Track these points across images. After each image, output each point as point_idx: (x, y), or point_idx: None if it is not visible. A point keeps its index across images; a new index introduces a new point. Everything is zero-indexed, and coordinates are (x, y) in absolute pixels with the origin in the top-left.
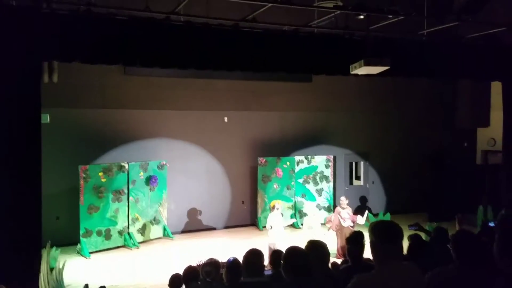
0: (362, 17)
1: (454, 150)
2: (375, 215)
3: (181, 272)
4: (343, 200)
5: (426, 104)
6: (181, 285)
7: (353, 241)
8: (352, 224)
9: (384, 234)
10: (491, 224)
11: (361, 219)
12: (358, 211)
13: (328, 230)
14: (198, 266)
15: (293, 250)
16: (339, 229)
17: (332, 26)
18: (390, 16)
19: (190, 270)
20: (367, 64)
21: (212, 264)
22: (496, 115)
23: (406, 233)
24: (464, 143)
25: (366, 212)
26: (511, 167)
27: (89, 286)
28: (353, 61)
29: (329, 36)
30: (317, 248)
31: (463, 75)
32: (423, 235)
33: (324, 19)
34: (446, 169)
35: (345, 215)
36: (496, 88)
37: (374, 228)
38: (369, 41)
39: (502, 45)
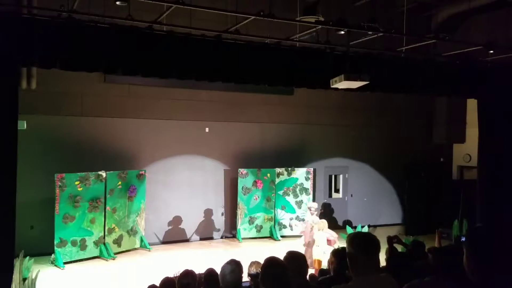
0: (342, 32)
1: (431, 165)
2: (354, 227)
3: (157, 284)
4: (313, 207)
5: (404, 119)
6: None
7: (340, 256)
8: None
9: (362, 246)
10: (464, 239)
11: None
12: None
13: (304, 245)
14: (175, 277)
15: (271, 261)
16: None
17: (313, 40)
18: (370, 33)
19: (166, 282)
20: (347, 79)
21: (188, 275)
22: (472, 132)
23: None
24: (441, 159)
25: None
26: (485, 182)
27: None
28: (333, 75)
29: (310, 50)
30: (295, 259)
31: (439, 91)
32: (400, 248)
33: (306, 33)
34: (423, 184)
35: (322, 239)
36: (472, 105)
37: (353, 240)
38: (349, 56)
39: (478, 64)
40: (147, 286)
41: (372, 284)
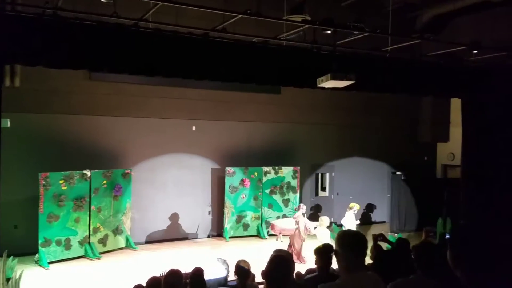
0: (329, 32)
1: (416, 163)
2: (339, 225)
3: (143, 283)
4: (303, 208)
5: (390, 118)
6: None
7: (322, 253)
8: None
9: (350, 245)
10: (448, 236)
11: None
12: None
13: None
14: (161, 277)
15: (278, 257)
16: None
17: (300, 39)
18: (356, 33)
19: (153, 282)
20: (334, 78)
21: (174, 275)
22: (456, 131)
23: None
24: (425, 157)
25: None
26: (468, 181)
27: None
28: (320, 74)
29: (297, 49)
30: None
31: (424, 91)
32: (385, 246)
33: (293, 33)
34: (408, 182)
35: (324, 235)
36: (456, 104)
37: (340, 238)
38: (335, 56)
39: (462, 64)
40: (133, 286)
41: (359, 282)
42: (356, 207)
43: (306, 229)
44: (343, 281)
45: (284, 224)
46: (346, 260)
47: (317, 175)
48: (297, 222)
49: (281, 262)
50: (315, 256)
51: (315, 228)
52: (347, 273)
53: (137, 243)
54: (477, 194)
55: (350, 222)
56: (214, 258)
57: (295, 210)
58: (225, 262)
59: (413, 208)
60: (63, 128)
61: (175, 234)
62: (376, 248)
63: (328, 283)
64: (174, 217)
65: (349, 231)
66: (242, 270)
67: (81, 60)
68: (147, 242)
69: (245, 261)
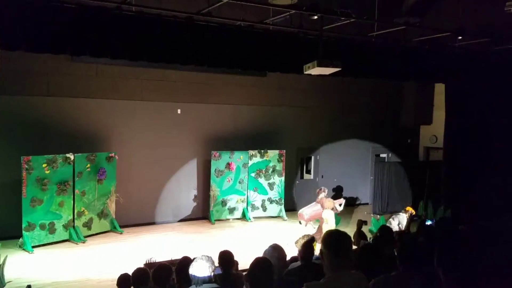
0: (316, 17)
1: (399, 146)
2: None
3: (130, 272)
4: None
5: (374, 102)
6: (130, 286)
7: (308, 246)
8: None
9: (334, 247)
10: (428, 223)
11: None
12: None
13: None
14: (147, 264)
15: (259, 261)
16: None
17: (286, 24)
18: (343, 18)
19: (139, 274)
20: (320, 65)
21: (163, 269)
22: (439, 114)
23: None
24: (408, 140)
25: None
26: (450, 163)
27: (33, 283)
28: (306, 60)
29: (283, 34)
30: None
31: (409, 76)
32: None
33: (279, 17)
34: (391, 165)
35: (331, 216)
36: (439, 88)
37: (326, 241)
38: (322, 42)
39: (446, 49)
40: (119, 275)
41: (343, 281)
42: (328, 203)
43: (333, 208)
44: (327, 280)
45: (311, 211)
46: (330, 260)
47: (302, 158)
48: (322, 205)
49: (262, 265)
50: (301, 249)
51: (339, 204)
52: (331, 272)
53: (122, 226)
54: (458, 177)
55: (331, 219)
56: (200, 241)
57: (317, 194)
58: (209, 259)
59: (395, 190)
60: (44, 111)
61: (160, 217)
62: (359, 234)
63: (313, 282)
64: (160, 200)
65: (335, 231)
66: (226, 259)
67: (62, 44)
68: (132, 225)
69: (228, 251)
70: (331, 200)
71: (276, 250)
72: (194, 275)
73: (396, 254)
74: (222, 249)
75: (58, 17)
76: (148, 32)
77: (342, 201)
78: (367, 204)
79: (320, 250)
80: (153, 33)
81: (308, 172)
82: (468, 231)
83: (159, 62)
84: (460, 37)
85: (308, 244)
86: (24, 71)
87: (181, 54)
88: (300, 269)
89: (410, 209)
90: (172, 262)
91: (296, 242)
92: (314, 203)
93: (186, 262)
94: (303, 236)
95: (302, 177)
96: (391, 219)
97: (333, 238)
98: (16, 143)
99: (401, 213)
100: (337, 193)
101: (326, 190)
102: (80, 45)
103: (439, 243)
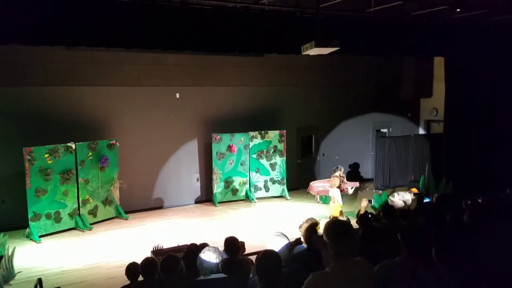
0: None
1: (399, 120)
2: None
3: (137, 260)
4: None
5: (373, 76)
6: (138, 275)
7: (311, 230)
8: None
9: (337, 236)
10: (427, 200)
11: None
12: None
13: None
14: (155, 252)
15: (266, 254)
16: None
17: (283, 3)
18: None
19: (148, 264)
20: (318, 45)
21: (171, 259)
22: (439, 86)
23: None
24: (408, 113)
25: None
26: (451, 136)
27: (42, 272)
28: (304, 39)
29: (280, 14)
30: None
31: (408, 52)
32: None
33: None
34: (392, 139)
35: (337, 195)
36: (439, 60)
37: (328, 231)
38: (319, 21)
39: (445, 22)
40: (128, 264)
41: (349, 269)
42: (334, 181)
43: (344, 190)
44: (333, 268)
45: (321, 185)
46: (335, 250)
47: (303, 137)
48: (342, 181)
49: (270, 258)
50: (306, 233)
51: (351, 187)
52: (336, 261)
53: (127, 212)
54: (459, 149)
55: (338, 198)
56: (205, 223)
57: (333, 171)
58: (216, 250)
59: (397, 165)
60: (43, 100)
61: (164, 201)
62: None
63: (319, 271)
64: (163, 185)
65: (337, 221)
66: (232, 245)
67: (56, 36)
68: (137, 211)
69: (234, 237)
70: (337, 179)
71: (280, 238)
72: (202, 266)
73: (399, 237)
74: (228, 235)
75: (51, 8)
76: (142, 19)
77: (356, 184)
78: (370, 180)
79: (324, 240)
80: (147, 19)
81: (309, 150)
82: (483, 204)
83: (155, 49)
84: (458, 10)
85: (311, 228)
86: (20, 62)
87: (176, 39)
88: (305, 253)
89: (415, 190)
90: (179, 248)
91: (300, 227)
92: (328, 179)
93: (193, 249)
94: (307, 220)
95: (303, 155)
96: (391, 197)
97: (335, 229)
98: (16, 134)
99: (406, 193)
100: (353, 170)
101: (342, 169)
102: (75, 36)
103: (435, 232)
